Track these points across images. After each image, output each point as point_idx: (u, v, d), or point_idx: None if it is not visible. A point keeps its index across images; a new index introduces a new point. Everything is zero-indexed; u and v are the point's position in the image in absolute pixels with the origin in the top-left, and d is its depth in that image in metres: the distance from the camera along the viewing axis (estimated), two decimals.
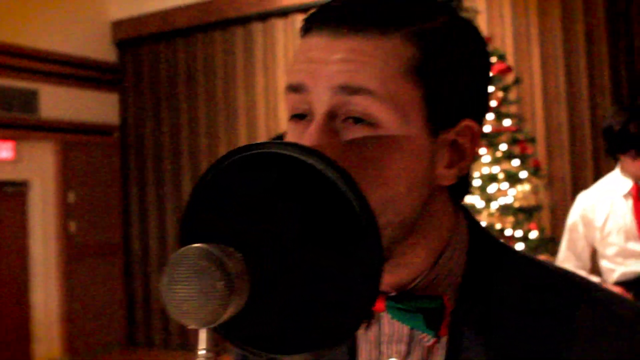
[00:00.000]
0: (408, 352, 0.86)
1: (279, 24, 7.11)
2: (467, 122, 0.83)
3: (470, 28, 0.86)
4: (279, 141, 0.70)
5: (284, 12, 7.05)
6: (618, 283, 3.29)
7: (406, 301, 0.83)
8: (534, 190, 4.97)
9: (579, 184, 5.62)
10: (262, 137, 7.04)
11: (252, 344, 0.73)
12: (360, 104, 0.77)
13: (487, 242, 0.89)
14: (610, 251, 3.37)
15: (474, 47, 0.85)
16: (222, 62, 7.48)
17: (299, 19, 6.73)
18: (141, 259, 7.83)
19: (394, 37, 0.79)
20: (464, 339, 0.83)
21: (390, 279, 0.85)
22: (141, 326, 7.80)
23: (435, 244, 0.85)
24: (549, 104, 5.81)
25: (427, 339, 0.84)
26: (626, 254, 3.33)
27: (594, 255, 3.50)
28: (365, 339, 0.88)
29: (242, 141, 7.19)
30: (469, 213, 0.92)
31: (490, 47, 5.32)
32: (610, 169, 5.30)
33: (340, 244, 0.69)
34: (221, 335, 0.73)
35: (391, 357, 0.86)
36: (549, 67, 5.83)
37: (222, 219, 0.72)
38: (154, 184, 7.78)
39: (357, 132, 0.77)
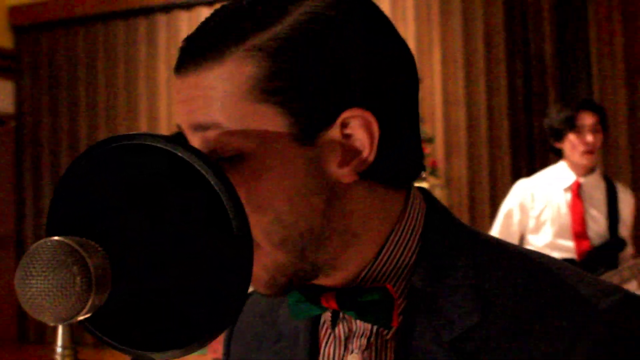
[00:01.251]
0: (367, 346, 0.83)
1: (183, 16, 7.01)
2: (350, 113, 0.77)
3: (333, 9, 0.77)
4: (146, 132, 0.70)
5: (189, 5, 6.96)
6: None
7: (354, 295, 0.80)
8: (431, 189, 5.07)
9: (475, 185, 5.76)
10: (163, 130, 6.93)
11: (122, 340, 0.71)
12: (213, 140, 0.75)
13: (444, 225, 0.85)
14: (540, 241, 3.52)
15: (346, 24, 0.77)
16: (123, 53, 7.33)
17: (204, 12, 6.65)
18: None
19: (230, 60, 0.75)
20: (415, 328, 0.80)
21: (333, 279, 0.83)
22: (32, 322, 7.56)
23: (373, 239, 0.82)
24: (448, 104, 5.93)
25: (386, 332, 0.82)
26: (554, 247, 3.47)
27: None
28: (332, 337, 0.87)
29: None
30: (429, 194, 0.88)
31: None
32: (504, 171, 5.45)
33: (210, 237, 0.68)
34: (89, 332, 0.71)
35: (353, 352, 0.84)
36: (449, 68, 5.95)
37: (86, 212, 0.70)
38: (50, 175, 7.55)
39: (226, 167, 0.75)
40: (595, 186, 3.58)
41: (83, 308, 0.61)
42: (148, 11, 7.19)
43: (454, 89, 5.92)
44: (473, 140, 5.84)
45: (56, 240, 0.62)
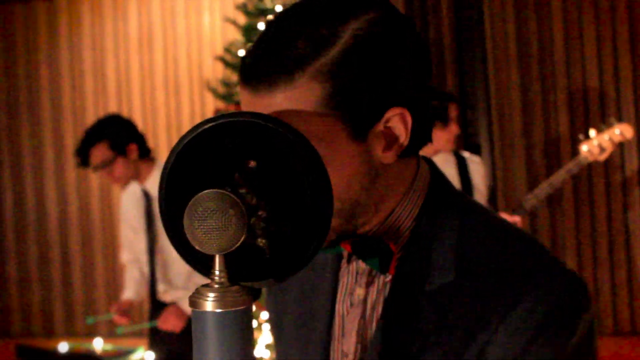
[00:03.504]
0: (371, 283, 1.04)
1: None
2: (391, 112, 0.94)
3: (379, 21, 0.93)
4: (254, 112, 0.85)
5: None
6: None
7: (364, 245, 1.00)
8: None
9: None
10: (67, 115, 6.86)
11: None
12: None
13: (442, 192, 1.04)
14: None
15: (385, 43, 0.93)
16: (23, 38, 7.18)
17: None
18: None
19: (299, 84, 0.91)
20: (406, 279, 0.99)
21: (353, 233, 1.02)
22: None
23: (392, 202, 1.02)
24: None
25: (387, 275, 1.01)
26: None
27: None
28: (347, 270, 1.07)
29: (47, 120, 6.96)
30: (434, 166, 1.07)
31: None
32: None
33: (300, 192, 0.84)
34: (197, 268, 0.85)
35: (361, 285, 1.05)
36: None
37: (207, 172, 0.85)
38: None
39: None
40: (445, 163, 3.77)
41: (238, 241, 0.76)
42: None
43: None
44: None
45: (213, 191, 0.76)
